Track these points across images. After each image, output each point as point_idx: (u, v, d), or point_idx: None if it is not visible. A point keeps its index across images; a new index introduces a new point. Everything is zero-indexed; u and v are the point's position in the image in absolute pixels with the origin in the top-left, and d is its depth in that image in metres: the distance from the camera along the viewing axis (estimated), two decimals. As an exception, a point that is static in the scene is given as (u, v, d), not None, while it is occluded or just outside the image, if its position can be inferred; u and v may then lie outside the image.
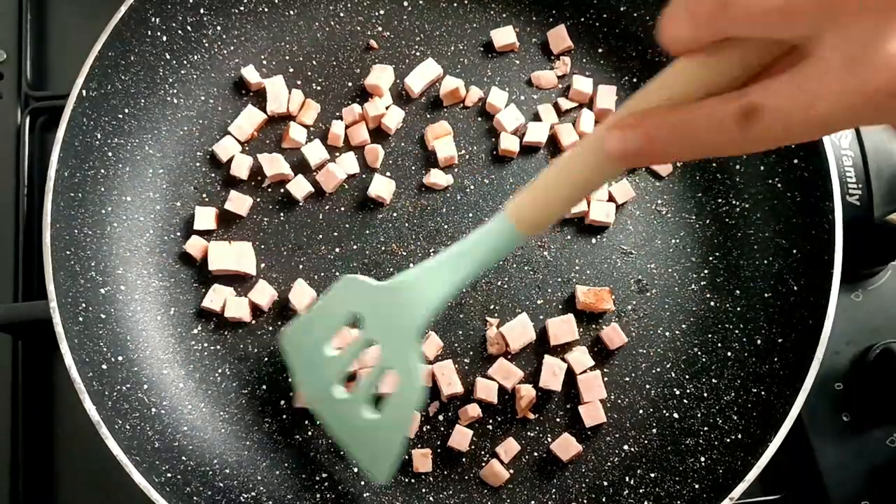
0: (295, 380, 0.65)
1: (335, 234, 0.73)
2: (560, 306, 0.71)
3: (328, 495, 0.67)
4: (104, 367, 0.64)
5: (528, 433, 0.68)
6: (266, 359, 0.70)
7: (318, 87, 0.76)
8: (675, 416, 0.69)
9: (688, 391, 0.70)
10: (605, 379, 0.69)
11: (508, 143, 0.74)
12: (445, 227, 0.73)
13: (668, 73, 0.40)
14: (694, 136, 0.37)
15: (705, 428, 0.68)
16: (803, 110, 0.34)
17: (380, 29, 0.78)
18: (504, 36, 0.77)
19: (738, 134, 0.35)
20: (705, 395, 0.69)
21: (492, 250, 0.51)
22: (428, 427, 0.68)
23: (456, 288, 0.53)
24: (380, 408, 0.59)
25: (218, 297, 0.70)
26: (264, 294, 0.70)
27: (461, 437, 0.67)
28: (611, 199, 0.73)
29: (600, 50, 0.78)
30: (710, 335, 0.71)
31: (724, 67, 0.37)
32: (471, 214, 0.73)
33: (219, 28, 0.75)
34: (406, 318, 0.55)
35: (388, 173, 0.74)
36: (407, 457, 0.67)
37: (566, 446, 0.67)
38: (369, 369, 0.63)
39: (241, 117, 0.74)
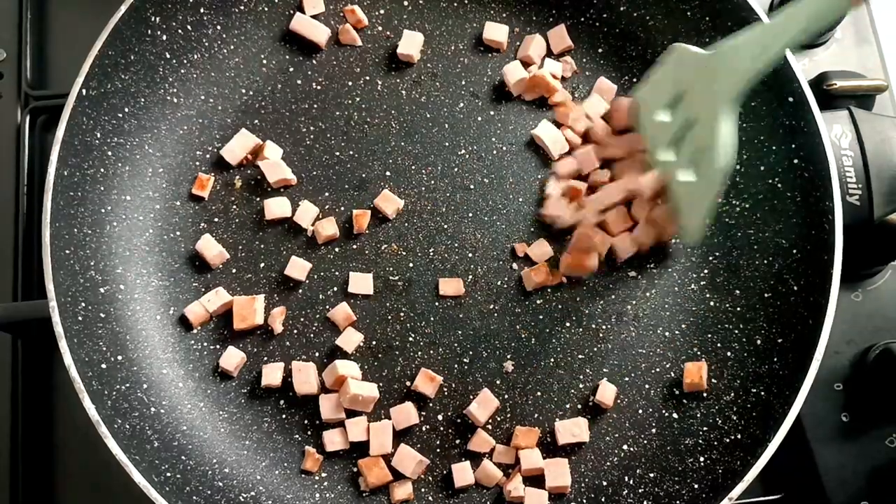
0: (641, 133, 0.69)
1: (335, 233, 0.73)
2: (560, 305, 0.71)
3: (328, 495, 0.67)
4: (104, 366, 0.64)
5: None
6: (266, 358, 0.70)
7: (319, 87, 0.76)
8: (675, 416, 0.69)
9: (687, 391, 0.69)
10: (605, 379, 0.69)
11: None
12: (445, 226, 0.73)
13: None
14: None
15: (705, 428, 0.68)
16: None
17: (380, 28, 0.78)
18: (496, 32, 0.76)
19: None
20: (705, 395, 0.69)
21: (814, 15, 0.50)
22: (428, 428, 0.68)
23: (773, 59, 0.53)
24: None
25: (217, 299, 0.70)
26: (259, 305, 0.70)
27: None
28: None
29: (600, 50, 0.78)
30: (709, 335, 0.71)
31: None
32: (470, 214, 0.73)
33: (219, 27, 0.75)
34: (721, 87, 0.55)
35: (388, 172, 0.74)
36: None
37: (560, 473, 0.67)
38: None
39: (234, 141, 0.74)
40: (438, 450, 0.68)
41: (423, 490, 0.67)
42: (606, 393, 0.68)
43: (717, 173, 0.60)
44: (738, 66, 0.54)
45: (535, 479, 0.67)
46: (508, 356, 0.70)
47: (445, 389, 0.69)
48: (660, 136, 0.65)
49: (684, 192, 0.64)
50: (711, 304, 0.72)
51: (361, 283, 0.71)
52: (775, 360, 0.67)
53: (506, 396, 0.69)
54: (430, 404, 0.69)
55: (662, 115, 0.64)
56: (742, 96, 0.56)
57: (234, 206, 0.73)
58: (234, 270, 0.72)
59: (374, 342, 0.70)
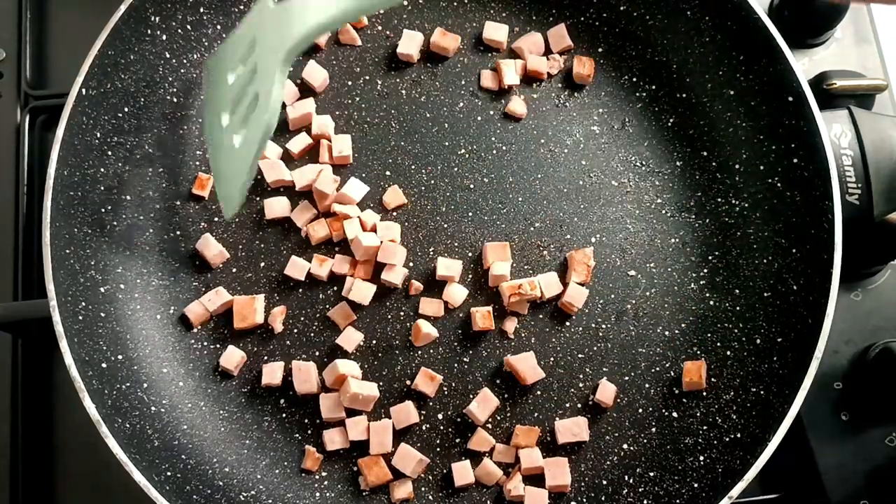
0: (204, 107, 0.65)
1: (335, 233, 0.73)
2: (555, 316, 0.71)
3: (328, 494, 0.67)
4: (104, 365, 0.64)
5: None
6: (266, 357, 0.70)
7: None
8: (675, 415, 0.69)
9: (687, 390, 0.70)
10: (605, 378, 0.70)
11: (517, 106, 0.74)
12: (445, 226, 0.73)
13: None
14: None
15: (704, 427, 0.68)
16: None
17: (380, 28, 0.78)
18: (496, 31, 0.77)
19: None
20: (704, 394, 0.69)
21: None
22: (429, 429, 0.68)
23: (339, 17, 0.53)
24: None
25: (217, 298, 0.70)
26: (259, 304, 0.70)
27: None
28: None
29: (600, 49, 0.78)
30: (709, 334, 0.71)
31: None
32: (470, 214, 0.73)
33: (219, 27, 0.75)
34: (283, 41, 0.54)
35: (387, 172, 0.74)
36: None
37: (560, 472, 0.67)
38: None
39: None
40: (438, 449, 0.68)
41: (423, 489, 0.67)
42: (606, 392, 0.68)
43: (263, 129, 0.56)
44: (301, 18, 0.53)
45: (535, 479, 0.67)
46: (508, 355, 0.70)
47: (445, 389, 0.69)
48: (221, 99, 0.61)
49: (228, 159, 0.60)
50: (711, 303, 0.72)
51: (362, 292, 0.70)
52: (775, 359, 0.67)
53: (506, 396, 0.69)
54: (430, 403, 0.69)
55: (230, 75, 0.60)
56: (302, 48, 0.55)
57: (234, 206, 0.73)
58: (234, 270, 0.72)
59: (374, 342, 0.70)
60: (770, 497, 0.72)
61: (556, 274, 0.71)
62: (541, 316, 0.71)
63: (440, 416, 0.69)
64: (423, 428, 0.68)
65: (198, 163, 0.74)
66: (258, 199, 0.73)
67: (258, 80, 0.57)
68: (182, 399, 0.68)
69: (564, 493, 0.67)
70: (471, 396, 0.68)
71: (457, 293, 0.70)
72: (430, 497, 0.67)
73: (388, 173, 0.74)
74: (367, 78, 0.77)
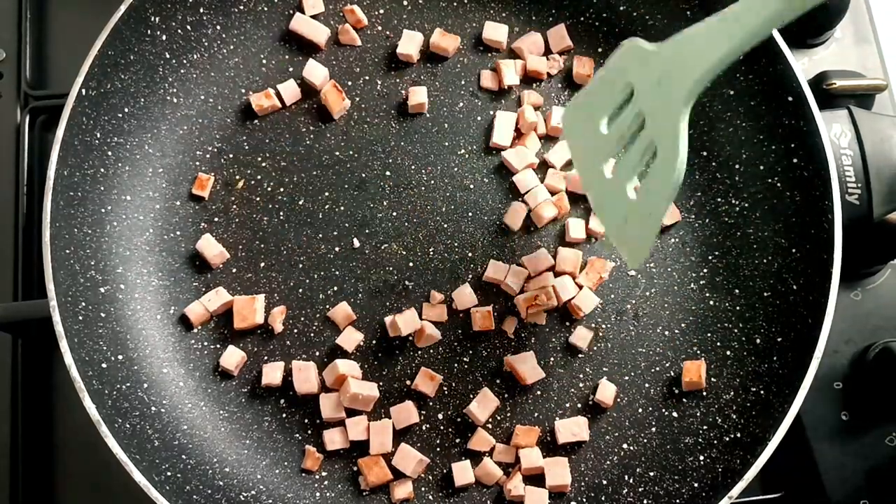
0: (574, 163, 0.63)
1: (335, 232, 0.73)
2: (555, 314, 0.71)
3: (328, 494, 0.67)
4: (104, 365, 0.64)
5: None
6: (266, 357, 0.70)
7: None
8: (675, 414, 0.69)
9: (686, 390, 0.70)
10: (605, 378, 0.70)
11: (499, 139, 0.74)
12: (445, 226, 0.73)
13: None
14: None
15: (704, 427, 0.68)
16: None
17: (379, 28, 0.78)
18: (496, 31, 0.77)
19: None
20: (704, 393, 0.69)
21: (770, 16, 0.45)
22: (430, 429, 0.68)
23: (729, 55, 0.48)
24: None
25: (217, 299, 0.70)
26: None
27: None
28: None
29: (600, 49, 0.78)
30: (709, 334, 0.71)
31: None
32: (470, 214, 0.73)
33: (218, 27, 0.75)
34: (673, 84, 0.50)
35: (387, 172, 0.74)
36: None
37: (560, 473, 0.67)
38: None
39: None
40: (438, 449, 0.68)
41: (423, 489, 0.67)
42: (606, 392, 0.68)
43: (673, 180, 0.51)
44: (691, 60, 0.48)
45: (536, 478, 0.67)
46: (508, 355, 0.70)
47: (445, 388, 0.69)
48: (598, 152, 0.57)
49: (629, 212, 0.56)
50: (711, 303, 0.72)
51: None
52: (775, 358, 0.67)
53: (505, 395, 0.69)
54: (431, 404, 0.69)
55: (602, 126, 0.57)
56: (699, 92, 0.50)
57: (234, 206, 0.73)
58: (234, 270, 0.72)
59: (374, 342, 0.70)
60: (770, 497, 0.72)
61: (570, 278, 0.71)
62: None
63: (440, 416, 0.69)
64: (423, 428, 0.68)
65: (198, 163, 0.74)
66: (258, 199, 0.73)
67: (650, 129, 0.53)
68: (182, 399, 0.68)
69: (564, 492, 0.67)
70: (471, 396, 0.68)
71: (464, 295, 0.71)
72: (430, 497, 0.67)
73: (387, 173, 0.74)
74: (367, 78, 0.77)
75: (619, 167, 0.56)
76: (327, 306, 0.71)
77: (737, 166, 0.73)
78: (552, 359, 0.70)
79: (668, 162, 0.51)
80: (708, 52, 0.48)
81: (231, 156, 0.74)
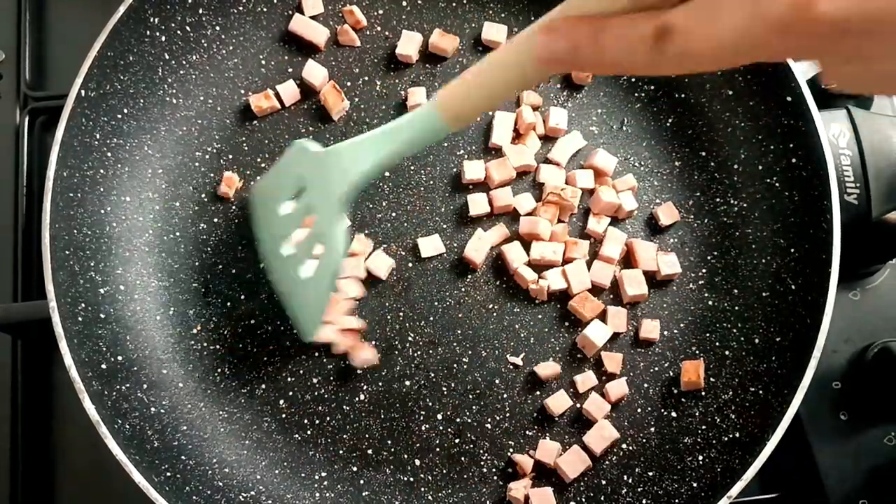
0: (256, 234, 0.68)
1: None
2: (555, 314, 0.71)
3: (327, 494, 0.67)
4: (103, 366, 0.64)
5: (527, 432, 0.68)
6: (265, 358, 0.70)
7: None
8: (674, 414, 0.69)
9: (685, 390, 0.70)
10: (605, 377, 0.70)
11: (498, 140, 0.74)
12: (444, 226, 0.73)
13: None
14: (612, 51, 0.37)
15: (703, 426, 0.68)
16: (711, 37, 0.33)
17: (379, 29, 0.78)
18: (495, 32, 0.77)
19: (650, 54, 0.36)
20: (703, 393, 0.69)
21: (416, 136, 0.53)
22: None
23: (378, 166, 0.56)
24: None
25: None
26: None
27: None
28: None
29: (599, 49, 0.78)
30: (707, 334, 0.71)
31: None
32: (470, 214, 0.73)
33: (218, 28, 0.75)
34: (333, 187, 0.58)
35: (387, 173, 0.74)
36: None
37: (574, 462, 0.67)
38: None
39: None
40: (438, 449, 0.68)
41: (422, 489, 0.67)
42: (614, 390, 0.68)
43: (332, 271, 0.61)
44: (346, 167, 0.56)
45: (545, 475, 0.67)
46: (508, 356, 0.70)
47: (445, 389, 0.69)
48: (282, 230, 0.64)
49: (302, 291, 0.64)
50: (710, 303, 0.72)
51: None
52: (773, 358, 0.67)
53: (504, 396, 0.69)
54: (431, 403, 0.69)
55: (285, 207, 0.63)
56: (354, 195, 0.58)
57: (234, 207, 0.73)
58: (233, 271, 0.72)
59: (373, 342, 0.70)
60: (769, 497, 0.72)
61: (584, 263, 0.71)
62: (540, 317, 0.71)
63: (439, 417, 0.69)
64: (423, 428, 0.69)
65: (197, 164, 0.74)
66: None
67: (319, 221, 0.61)
68: (182, 400, 0.68)
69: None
70: (470, 396, 0.69)
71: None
72: (430, 497, 0.67)
73: (387, 174, 0.74)
74: (367, 79, 0.77)
75: (295, 250, 0.64)
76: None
77: (735, 166, 0.74)
78: (551, 359, 0.70)
79: (330, 253, 0.60)
80: (361, 161, 0.56)
81: (230, 157, 0.74)
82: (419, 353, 0.70)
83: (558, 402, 0.68)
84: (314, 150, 0.60)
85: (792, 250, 0.69)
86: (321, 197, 0.59)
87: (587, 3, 0.39)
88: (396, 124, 0.54)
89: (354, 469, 0.67)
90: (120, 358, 0.66)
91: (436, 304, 0.71)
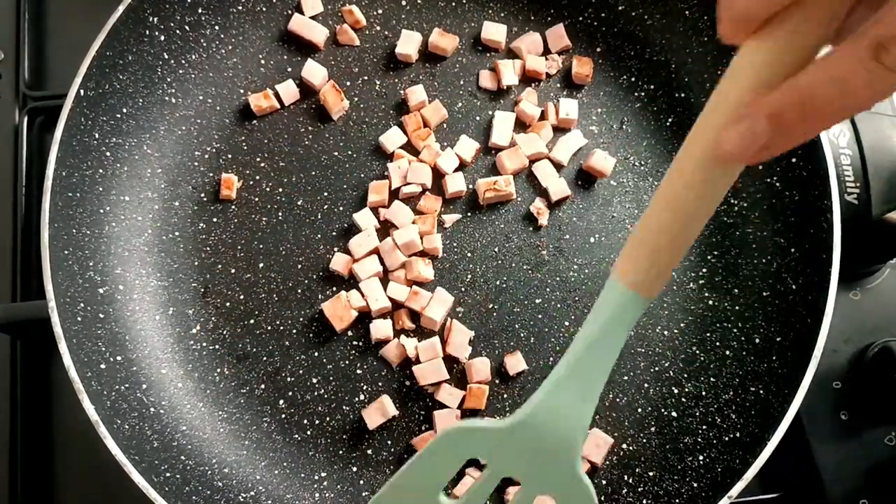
0: None
1: (334, 232, 0.72)
2: (558, 305, 0.71)
3: (327, 495, 0.67)
4: (103, 366, 0.64)
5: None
6: (265, 358, 0.70)
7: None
8: (674, 414, 0.69)
9: (686, 390, 0.70)
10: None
11: (498, 139, 0.74)
12: (444, 226, 0.73)
13: (745, 61, 0.36)
14: (829, 94, 0.34)
15: (704, 426, 0.68)
16: None
17: (378, 28, 0.78)
18: (495, 31, 0.77)
19: (869, 74, 0.33)
20: (704, 393, 0.69)
21: (622, 331, 0.43)
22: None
23: (599, 391, 0.44)
24: None
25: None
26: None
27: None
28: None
29: (598, 49, 0.78)
30: (708, 334, 0.71)
31: (806, 28, 0.34)
32: (469, 213, 0.73)
33: (217, 27, 0.75)
34: (557, 449, 0.44)
35: (387, 172, 0.74)
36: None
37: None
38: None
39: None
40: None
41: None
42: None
43: None
44: (567, 419, 0.43)
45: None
46: (506, 356, 0.70)
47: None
48: None
49: None
50: (710, 302, 0.72)
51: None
52: (774, 358, 0.67)
53: (504, 396, 0.69)
54: (430, 403, 0.69)
55: (442, 498, 0.48)
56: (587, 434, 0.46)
57: (233, 207, 0.73)
58: (232, 271, 0.72)
59: (375, 343, 0.70)
60: (769, 497, 0.72)
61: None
62: (540, 316, 0.71)
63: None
64: (424, 428, 0.69)
65: (196, 163, 0.74)
66: (256, 199, 0.73)
67: (530, 487, 0.46)
68: (181, 400, 0.68)
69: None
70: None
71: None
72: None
73: (387, 173, 0.74)
74: (366, 78, 0.77)
75: None
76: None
77: (736, 166, 0.73)
78: (551, 359, 0.70)
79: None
80: (577, 404, 0.43)
81: (230, 156, 0.74)
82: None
83: None
84: (495, 429, 0.45)
85: (792, 250, 0.69)
86: (534, 468, 0.46)
87: (755, 78, 0.35)
88: (593, 334, 0.43)
89: (354, 469, 0.67)
90: (119, 358, 0.66)
91: (435, 303, 0.71)
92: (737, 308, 0.71)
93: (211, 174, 0.74)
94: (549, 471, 0.45)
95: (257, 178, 0.74)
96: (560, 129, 0.75)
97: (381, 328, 0.69)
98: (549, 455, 0.45)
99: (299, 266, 0.72)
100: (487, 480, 0.46)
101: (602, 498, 0.67)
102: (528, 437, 0.44)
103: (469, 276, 0.72)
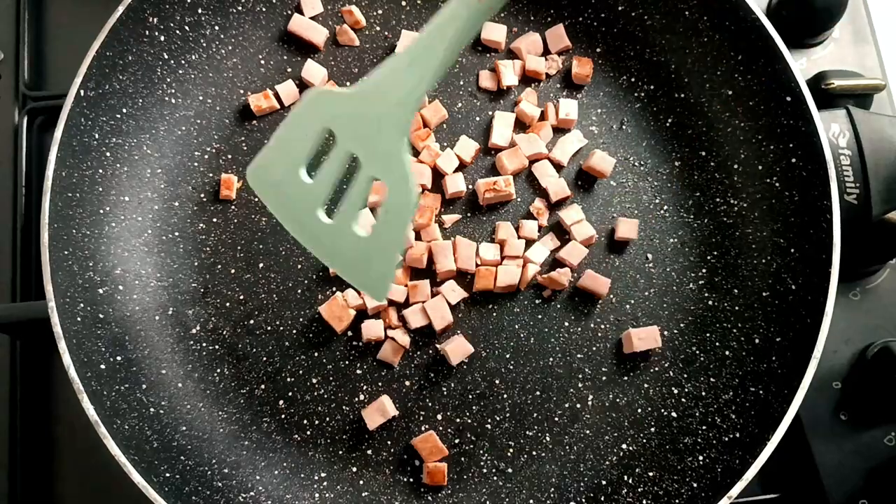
0: (282, 221, 0.56)
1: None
2: (558, 304, 0.71)
3: (327, 495, 0.67)
4: (102, 366, 0.64)
5: (527, 432, 0.68)
6: (265, 358, 0.70)
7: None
8: (674, 414, 0.69)
9: (686, 390, 0.70)
10: (604, 378, 0.70)
11: (498, 139, 0.74)
12: (444, 226, 0.73)
13: None
14: None
15: (703, 427, 0.68)
16: None
17: (378, 29, 0.78)
18: (494, 32, 0.77)
19: None
20: (703, 394, 0.69)
21: (463, 28, 0.48)
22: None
23: (433, 77, 0.50)
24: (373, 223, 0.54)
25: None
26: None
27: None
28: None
29: (598, 49, 0.78)
30: (708, 334, 0.71)
31: None
32: (469, 213, 0.73)
33: (217, 28, 0.75)
34: (389, 121, 0.51)
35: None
36: (417, 462, 0.67)
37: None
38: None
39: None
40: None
41: (421, 490, 0.67)
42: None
43: (409, 208, 0.52)
44: (401, 94, 0.50)
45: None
46: (508, 356, 0.70)
47: (444, 390, 0.69)
48: (307, 201, 0.54)
49: (362, 251, 0.54)
50: (710, 303, 0.72)
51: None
52: (774, 358, 0.67)
53: (504, 396, 0.69)
54: (430, 403, 0.69)
55: (303, 175, 0.54)
56: (411, 120, 0.51)
57: (233, 207, 0.73)
58: (232, 271, 0.72)
59: (374, 344, 0.70)
60: (769, 497, 0.72)
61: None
62: (540, 316, 0.71)
63: (439, 417, 0.69)
64: (422, 428, 0.69)
65: (196, 163, 0.74)
66: (256, 199, 0.73)
67: (369, 167, 0.52)
68: (181, 400, 0.68)
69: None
70: (470, 397, 0.68)
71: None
72: (430, 498, 0.67)
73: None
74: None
75: (339, 210, 0.54)
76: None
77: (735, 166, 0.73)
78: (551, 359, 0.70)
79: (400, 193, 0.52)
80: (412, 83, 0.50)
81: (230, 156, 0.74)
82: (419, 352, 0.70)
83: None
84: (344, 93, 0.52)
85: (792, 250, 0.69)
86: (369, 140, 0.52)
87: None
88: (436, 27, 0.48)
89: (354, 469, 0.67)
90: (119, 358, 0.66)
91: (435, 304, 0.71)
92: (736, 308, 0.71)
93: (211, 174, 0.74)
94: (380, 148, 0.51)
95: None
96: (560, 130, 0.75)
97: (372, 328, 0.69)
98: (381, 125, 0.51)
99: (299, 266, 0.72)
100: (336, 156, 0.53)
101: (602, 498, 0.67)
102: (371, 106, 0.51)
103: (469, 277, 0.72)
